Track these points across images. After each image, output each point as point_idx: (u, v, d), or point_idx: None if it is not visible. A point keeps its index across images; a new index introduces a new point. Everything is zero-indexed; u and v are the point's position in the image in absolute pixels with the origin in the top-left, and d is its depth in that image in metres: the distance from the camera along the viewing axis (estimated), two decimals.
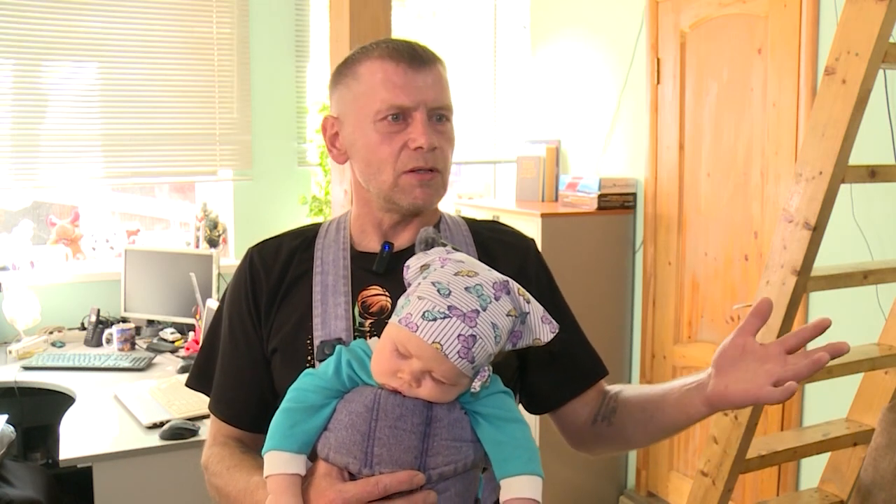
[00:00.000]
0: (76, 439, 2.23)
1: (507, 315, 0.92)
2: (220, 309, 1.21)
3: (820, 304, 2.48)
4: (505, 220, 3.21)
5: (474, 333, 0.89)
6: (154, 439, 2.20)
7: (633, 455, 3.35)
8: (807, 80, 2.48)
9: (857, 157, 1.65)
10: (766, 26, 2.63)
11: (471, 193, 4.09)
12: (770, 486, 2.71)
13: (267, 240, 1.20)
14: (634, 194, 3.25)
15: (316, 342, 1.07)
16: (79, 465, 2.13)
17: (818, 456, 2.03)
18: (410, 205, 1.09)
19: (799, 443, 1.93)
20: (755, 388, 0.94)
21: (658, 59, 3.10)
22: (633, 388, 1.18)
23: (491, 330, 0.90)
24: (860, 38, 1.57)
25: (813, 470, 2.36)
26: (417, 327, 0.89)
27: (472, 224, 1.23)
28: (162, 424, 2.26)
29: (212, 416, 1.19)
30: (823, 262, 1.78)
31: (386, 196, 1.10)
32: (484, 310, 0.90)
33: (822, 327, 0.94)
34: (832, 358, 0.91)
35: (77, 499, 2.71)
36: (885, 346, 1.96)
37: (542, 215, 3.08)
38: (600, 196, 3.16)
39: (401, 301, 0.95)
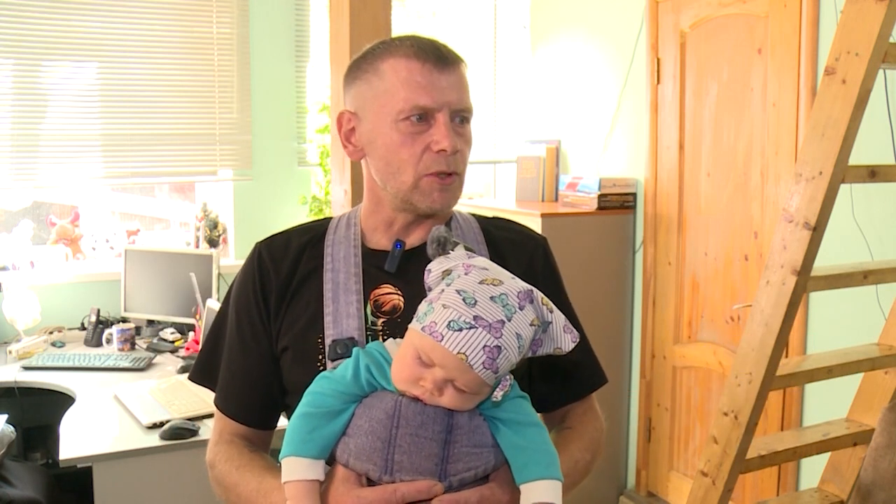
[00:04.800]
0: (76, 439, 2.23)
1: (531, 325, 0.91)
2: (225, 302, 1.19)
3: (820, 304, 2.48)
4: None
5: (499, 344, 0.88)
6: (154, 439, 2.20)
7: (633, 455, 3.35)
8: (807, 80, 2.48)
9: (857, 157, 1.65)
10: (766, 26, 2.63)
11: (471, 193, 4.09)
12: (770, 486, 2.70)
13: (275, 235, 1.18)
14: (634, 194, 3.25)
15: (328, 341, 1.06)
16: (79, 465, 2.13)
17: (818, 456, 2.03)
18: (428, 207, 1.08)
19: (799, 443, 1.93)
20: None
21: (658, 59, 3.10)
22: (568, 434, 1.15)
23: (515, 340, 0.89)
24: (860, 38, 1.57)
25: (813, 470, 2.36)
26: (443, 337, 0.88)
27: (483, 221, 1.22)
28: (162, 424, 2.26)
29: (217, 412, 1.17)
30: (823, 262, 1.78)
31: (403, 197, 1.08)
32: (509, 320, 0.89)
33: None
34: None
35: (77, 499, 2.71)
36: (885, 346, 1.96)
37: (543, 215, 3.08)
38: (600, 196, 3.16)
39: (422, 307, 0.93)
